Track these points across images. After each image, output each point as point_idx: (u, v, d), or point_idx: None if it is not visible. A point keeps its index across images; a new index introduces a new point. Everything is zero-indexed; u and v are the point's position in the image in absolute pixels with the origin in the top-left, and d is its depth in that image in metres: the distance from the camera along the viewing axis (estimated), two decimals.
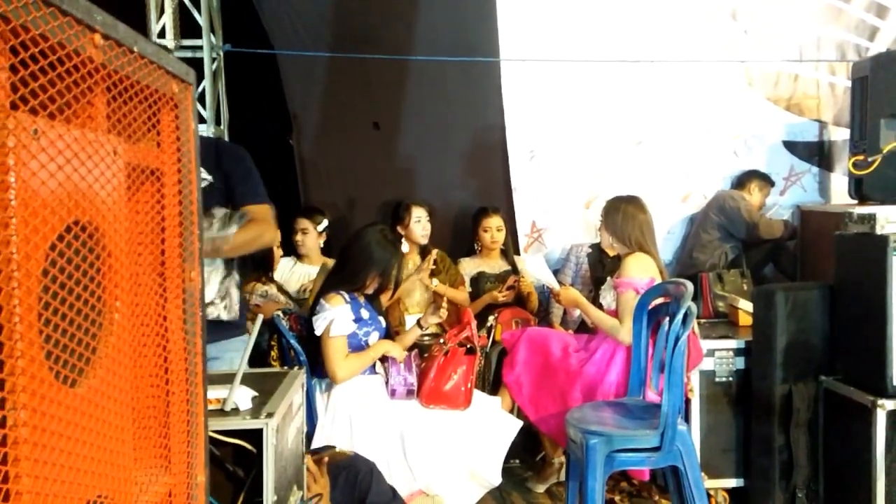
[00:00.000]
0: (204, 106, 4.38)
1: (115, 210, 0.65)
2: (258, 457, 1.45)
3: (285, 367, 2.34)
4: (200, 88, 4.38)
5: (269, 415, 1.45)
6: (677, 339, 2.54)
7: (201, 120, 4.39)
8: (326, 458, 2.02)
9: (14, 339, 0.49)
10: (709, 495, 3.10)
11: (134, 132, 0.75)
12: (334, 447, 2.29)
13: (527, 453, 3.54)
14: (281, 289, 3.39)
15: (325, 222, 3.79)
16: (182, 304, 0.85)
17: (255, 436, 1.44)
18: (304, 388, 1.87)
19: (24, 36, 0.48)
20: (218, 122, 4.53)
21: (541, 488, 3.38)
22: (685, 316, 2.56)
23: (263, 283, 3.31)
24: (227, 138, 4.59)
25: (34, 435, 0.51)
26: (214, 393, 1.51)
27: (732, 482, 3.18)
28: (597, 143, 4.31)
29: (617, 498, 3.18)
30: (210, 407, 1.52)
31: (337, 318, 2.62)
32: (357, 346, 2.74)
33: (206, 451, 0.88)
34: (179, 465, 0.84)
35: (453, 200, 4.28)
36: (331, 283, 2.75)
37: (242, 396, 1.53)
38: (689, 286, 2.66)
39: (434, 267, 3.53)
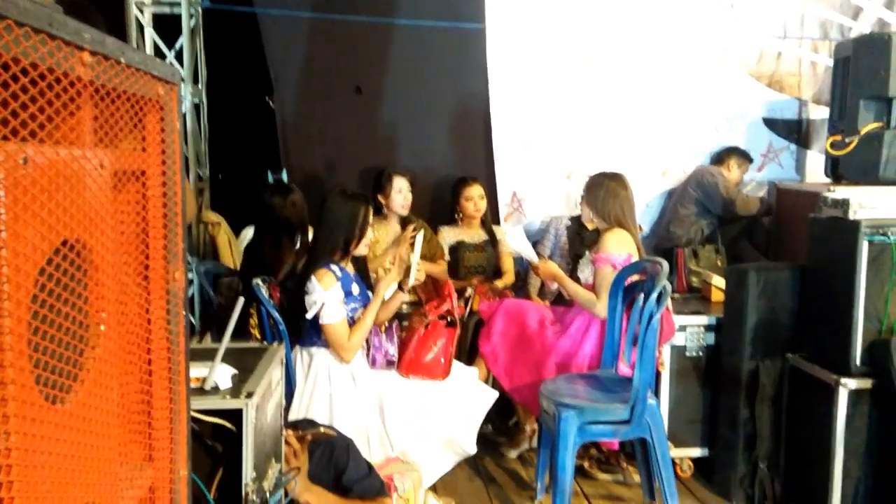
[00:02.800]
0: (181, 64, 4.29)
1: (101, 224, 0.65)
2: (237, 434, 1.48)
3: (265, 342, 2.35)
4: (178, 45, 4.28)
5: (249, 394, 1.47)
6: (651, 318, 2.60)
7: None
8: (309, 437, 2.05)
9: (5, 367, 0.51)
10: (674, 463, 3.21)
11: (120, 139, 0.75)
12: (314, 421, 2.32)
13: (500, 419, 3.62)
14: None
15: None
16: (166, 304, 0.85)
17: (235, 414, 1.47)
18: (284, 363, 1.89)
19: (14, 68, 0.48)
20: (196, 81, 4.44)
21: (513, 454, 3.47)
22: (660, 294, 2.61)
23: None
24: (205, 98, 4.51)
25: (24, 457, 0.53)
26: (195, 371, 1.53)
27: (697, 451, 3.29)
28: (580, 115, 4.30)
29: (586, 464, 3.28)
30: (190, 385, 1.55)
31: (328, 302, 2.62)
32: None
33: (188, 446, 0.90)
34: (162, 461, 0.86)
35: (434, 168, 4.27)
36: (313, 257, 2.74)
37: (222, 375, 1.55)
38: (665, 265, 2.71)
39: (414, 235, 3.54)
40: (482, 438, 2.92)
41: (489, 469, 3.33)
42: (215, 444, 1.54)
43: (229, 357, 1.68)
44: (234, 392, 1.50)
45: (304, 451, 2.07)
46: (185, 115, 4.29)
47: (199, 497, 1.51)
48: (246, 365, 1.68)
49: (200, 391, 1.50)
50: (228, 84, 4.48)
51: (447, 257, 3.91)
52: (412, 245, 2.94)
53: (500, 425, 3.60)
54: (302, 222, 3.15)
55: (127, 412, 0.80)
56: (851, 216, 2.70)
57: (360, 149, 4.28)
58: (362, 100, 4.25)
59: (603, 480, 3.22)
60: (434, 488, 2.88)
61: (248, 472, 1.45)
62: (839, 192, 3.20)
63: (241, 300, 1.69)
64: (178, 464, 0.88)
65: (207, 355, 1.62)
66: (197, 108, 4.45)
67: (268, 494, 1.63)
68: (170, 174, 0.85)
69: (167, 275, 0.85)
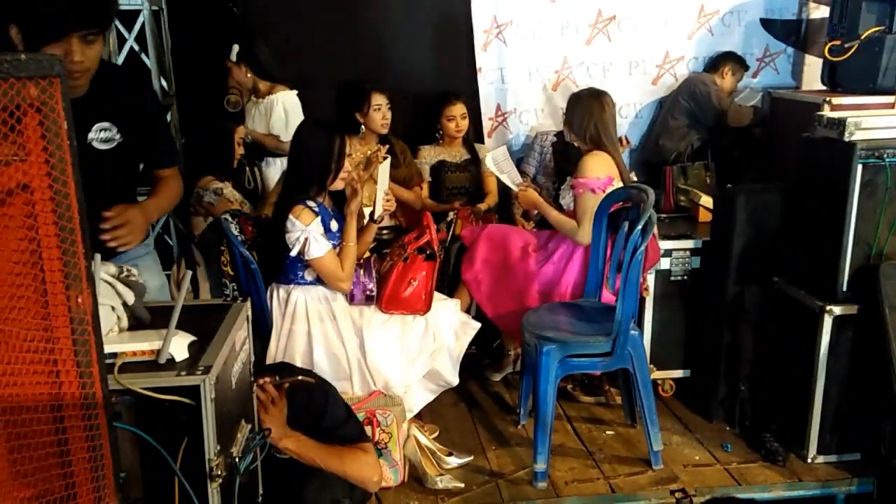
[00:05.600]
0: None
1: None
2: (198, 408, 1.41)
3: (226, 299, 2.26)
4: None
5: (206, 369, 1.39)
6: (635, 250, 2.52)
7: None
8: (287, 385, 2.01)
9: None
10: (656, 384, 3.23)
11: None
12: (291, 366, 2.27)
13: (484, 341, 3.59)
14: (239, 186, 3.24)
15: None
16: (71, 333, 0.75)
17: (193, 389, 1.39)
18: (249, 320, 1.80)
19: None
20: None
21: (497, 377, 3.48)
22: (644, 226, 2.52)
23: (220, 179, 3.15)
24: (164, 5, 4.20)
25: None
26: (147, 344, 1.45)
27: (680, 373, 3.30)
28: (567, 18, 4.05)
29: (569, 387, 3.30)
30: (144, 358, 1.46)
31: (311, 236, 2.52)
32: None
33: (116, 476, 0.83)
34: (86, 499, 0.79)
35: (414, 81, 4.03)
36: (287, 193, 2.60)
37: (178, 345, 1.46)
38: (651, 194, 2.61)
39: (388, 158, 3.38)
40: (466, 361, 2.90)
41: (473, 393, 3.35)
42: (177, 414, 1.48)
43: (188, 319, 1.59)
44: (191, 365, 1.42)
45: (283, 398, 2.04)
46: (143, 25, 4.01)
47: (166, 467, 1.46)
48: (206, 328, 1.60)
49: (154, 365, 1.42)
50: None
51: (428, 179, 3.77)
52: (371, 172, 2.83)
53: (483, 347, 3.59)
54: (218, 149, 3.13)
55: (35, 463, 0.71)
56: (847, 138, 2.57)
57: (335, 61, 4.01)
58: (335, 6, 3.97)
59: (586, 403, 3.24)
60: (419, 416, 2.89)
61: (210, 448, 1.40)
62: (835, 111, 3.06)
63: (189, 273, 1.58)
64: (108, 498, 0.80)
65: (164, 319, 1.53)
66: (157, 16, 4.16)
67: (237, 459, 1.59)
68: (59, 185, 0.72)
69: (68, 301, 0.75)
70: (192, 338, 1.52)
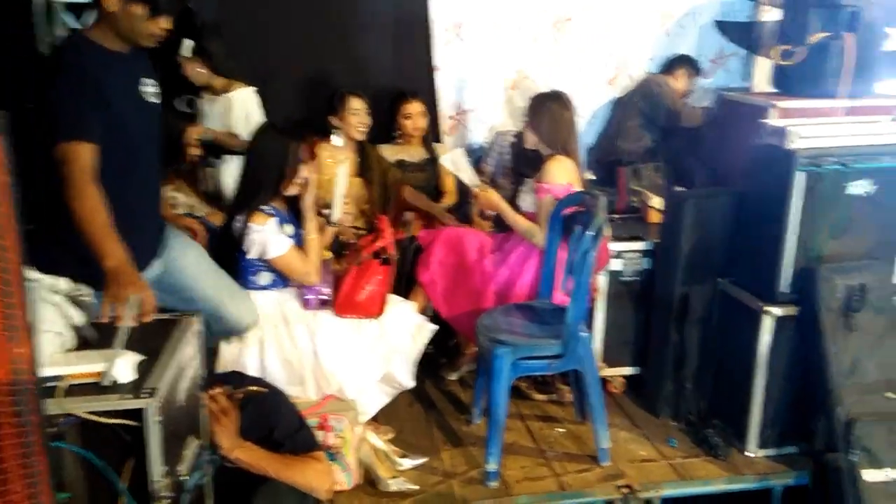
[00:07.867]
0: None
1: None
2: (142, 428, 1.42)
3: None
4: None
5: (152, 392, 1.40)
6: (585, 254, 2.58)
7: None
8: (240, 395, 2.02)
9: None
10: (607, 381, 3.32)
11: None
12: (243, 375, 2.28)
13: (440, 340, 3.62)
14: (195, 187, 3.20)
15: None
16: (10, 385, 0.77)
17: (139, 410, 1.40)
18: (199, 334, 1.81)
19: None
20: None
21: (453, 376, 3.52)
22: (596, 231, 2.58)
23: (172, 179, 3.11)
24: None
25: None
26: (92, 366, 1.45)
27: (629, 370, 3.39)
28: (525, 18, 4.08)
29: (523, 385, 3.36)
30: (88, 380, 1.46)
31: (269, 236, 2.53)
32: None
33: None
34: None
35: (373, 79, 4.02)
36: (242, 201, 2.60)
37: (125, 366, 1.47)
38: (603, 200, 2.67)
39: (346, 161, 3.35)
40: (422, 360, 2.94)
41: (429, 392, 3.38)
42: (122, 434, 1.48)
43: (137, 335, 1.60)
44: (136, 387, 1.43)
45: (235, 409, 2.05)
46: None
47: (113, 486, 1.47)
48: (153, 345, 1.60)
49: (98, 388, 1.43)
50: None
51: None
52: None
53: (440, 346, 3.62)
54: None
55: None
56: (789, 146, 2.66)
57: (294, 57, 3.97)
58: (292, 2, 3.92)
59: (538, 401, 3.31)
60: (375, 417, 2.92)
61: (156, 470, 1.41)
62: (781, 115, 3.15)
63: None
64: None
65: (111, 338, 1.53)
66: None
67: (185, 477, 1.60)
68: None
69: (8, 352, 0.76)
70: (139, 357, 1.53)
